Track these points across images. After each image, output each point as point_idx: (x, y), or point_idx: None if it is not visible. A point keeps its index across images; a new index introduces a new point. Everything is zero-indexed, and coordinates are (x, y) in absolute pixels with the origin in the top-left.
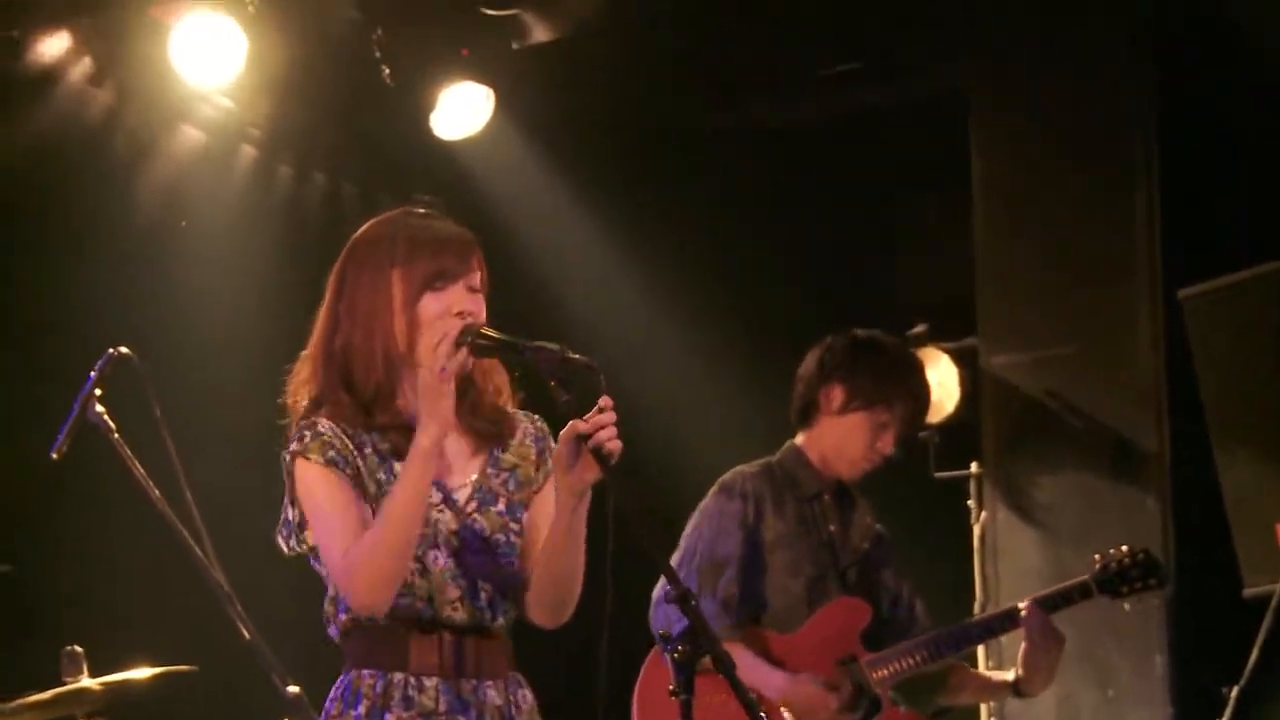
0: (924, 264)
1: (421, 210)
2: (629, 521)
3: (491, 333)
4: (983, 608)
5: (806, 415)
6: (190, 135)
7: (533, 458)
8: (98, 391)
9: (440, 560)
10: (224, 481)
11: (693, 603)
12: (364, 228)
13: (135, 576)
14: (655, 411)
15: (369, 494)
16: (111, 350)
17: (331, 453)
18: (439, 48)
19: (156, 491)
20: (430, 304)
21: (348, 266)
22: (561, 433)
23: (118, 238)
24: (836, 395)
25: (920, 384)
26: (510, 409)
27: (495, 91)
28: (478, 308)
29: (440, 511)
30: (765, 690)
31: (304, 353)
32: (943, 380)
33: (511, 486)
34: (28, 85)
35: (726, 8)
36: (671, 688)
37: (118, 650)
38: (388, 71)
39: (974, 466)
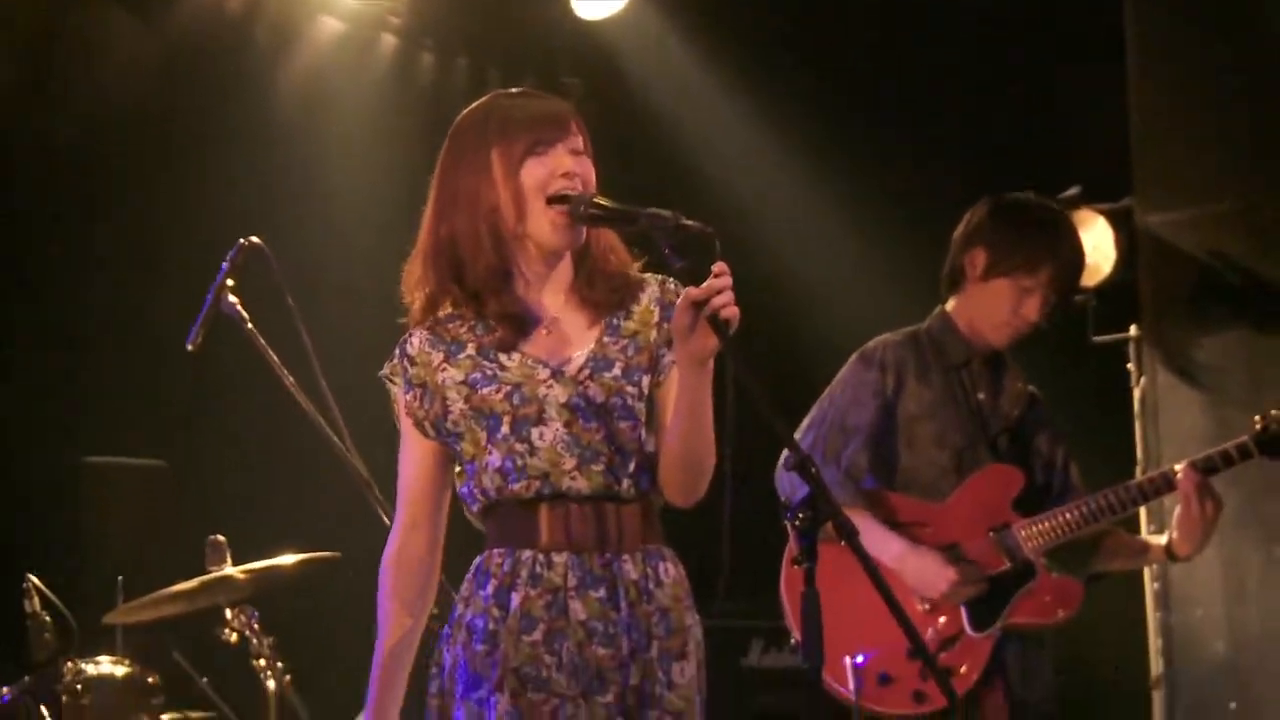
0: (1078, 125)
1: (514, 90)
2: (748, 389)
3: (603, 200)
4: (1143, 472)
5: (954, 281)
6: (330, 25)
7: (655, 320)
8: (230, 282)
9: (547, 435)
10: (359, 371)
11: (813, 469)
12: (459, 118)
13: (276, 466)
14: (809, 288)
15: (439, 409)
16: (243, 240)
17: (403, 380)
18: None
19: (292, 379)
20: (534, 169)
21: (446, 157)
22: (678, 301)
23: (259, 131)
24: (979, 260)
25: (1068, 247)
26: (634, 273)
27: None
28: (584, 169)
29: (548, 387)
30: (882, 557)
31: (413, 251)
32: (1098, 243)
33: (631, 351)
34: None
35: None
36: (794, 555)
37: (262, 539)
38: None
39: (1133, 329)
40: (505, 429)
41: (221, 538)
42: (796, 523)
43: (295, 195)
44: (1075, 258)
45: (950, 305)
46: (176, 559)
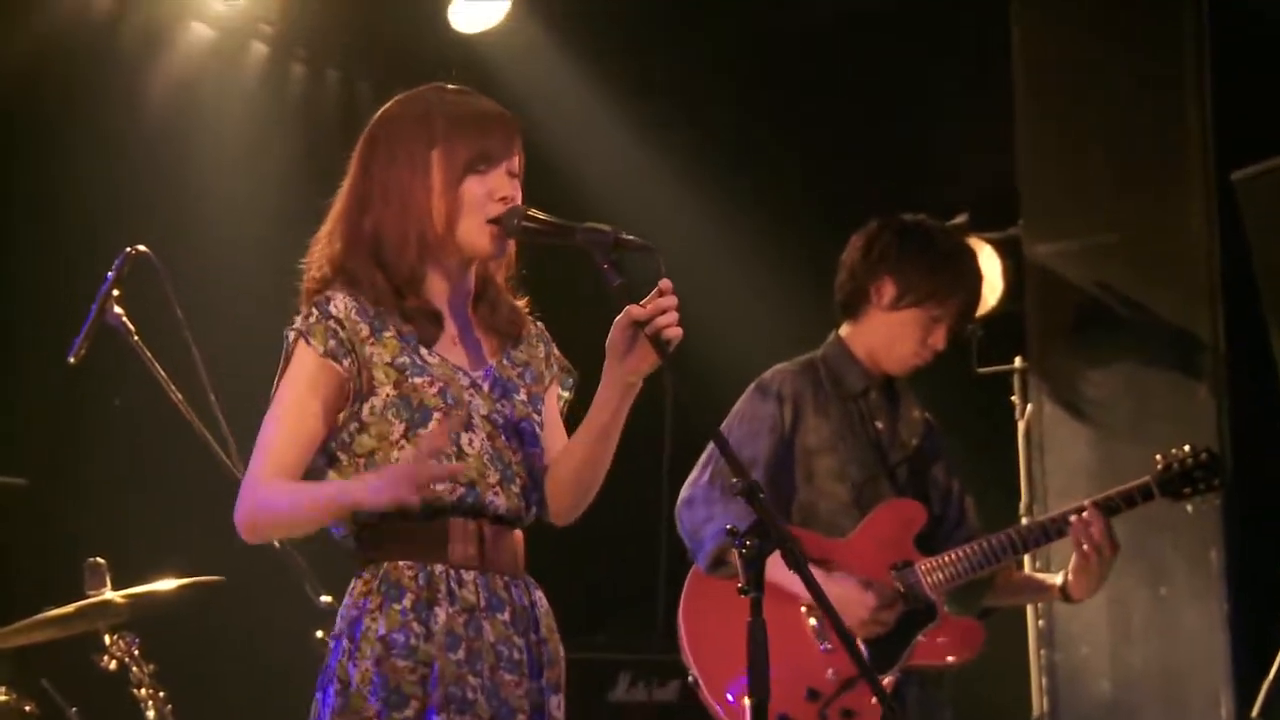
0: (962, 153)
1: (454, 86)
2: (690, 413)
3: (537, 214)
4: (1029, 506)
5: (853, 307)
6: (199, 32)
7: (540, 356)
8: (115, 292)
9: (476, 443)
10: (244, 383)
11: (760, 495)
12: (392, 103)
13: (159, 484)
14: (691, 308)
15: (364, 384)
16: (129, 249)
17: (333, 342)
18: None
19: (179, 395)
20: (473, 187)
21: (378, 142)
22: (616, 319)
23: (127, 139)
24: (886, 289)
25: (974, 276)
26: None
27: None
28: (518, 194)
29: (470, 394)
30: (794, 586)
31: (322, 231)
32: (985, 272)
33: (529, 379)
34: None
35: None
36: (740, 585)
37: (142, 561)
38: None
39: (1018, 361)
40: (434, 426)
41: (100, 560)
42: (744, 550)
43: (167, 204)
44: (979, 286)
45: (845, 331)
46: (51, 582)
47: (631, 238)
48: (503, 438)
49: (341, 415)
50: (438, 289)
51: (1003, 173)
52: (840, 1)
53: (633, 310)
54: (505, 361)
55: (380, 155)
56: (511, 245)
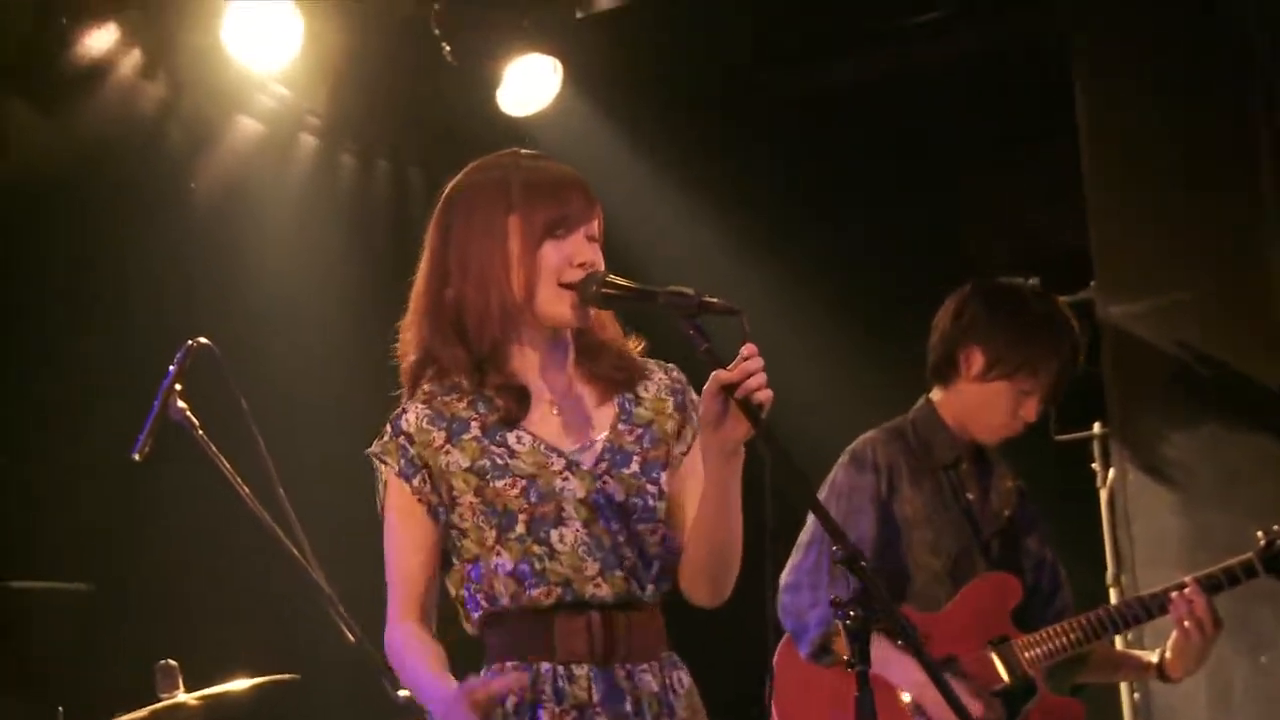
0: (1030, 215)
1: (529, 151)
2: (790, 479)
3: (617, 279)
4: (1116, 577)
5: (943, 373)
6: (247, 126)
7: (670, 411)
8: (178, 386)
9: (568, 537)
10: (310, 474)
11: (863, 563)
12: (466, 172)
13: (229, 582)
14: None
15: (443, 496)
16: (190, 341)
17: (403, 461)
18: (501, 20)
19: (246, 489)
20: (550, 253)
21: (455, 213)
22: (705, 387)
23: (177, 235)
24: (976, 359)
25: (1069, 345)
26: (635, 354)
27: (562, 62)
28: (598, 258)
29: (564, 479)
30: (902, 682)
31: (409, 310)
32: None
33: (647, 443)
34: (76, 81)
35: None
36: (847, 658)
37: (215, 662)
38: (448, 49)
39: (1097, 426)
40: (520, 529)
41: (172, 662)
42: (848, 622)
43: (220, 298)
44: (1076, 354)
45: (937, 397)
46: (122, 686)
47: (715, 300)
48: (602, 521)
49: (439, 529)
50: (527, 360)
51: (1074, 233)
52: (899, 59)
53: (720, 375)
54: (622, 425)
55: (457, 224)
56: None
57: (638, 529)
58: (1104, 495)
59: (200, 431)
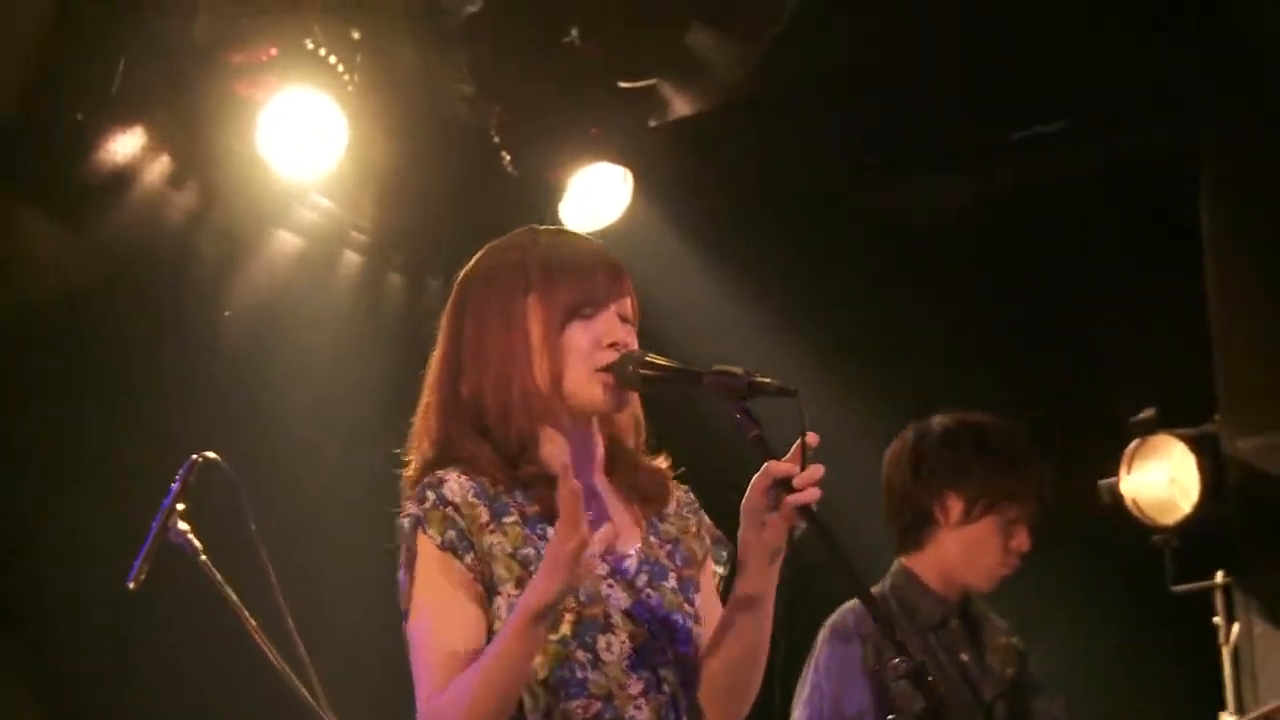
0: (1146, 340)
1: (550, 227)
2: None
3: (656, 359)
4: None
5: (918, 533)
6: (286, 240)
7: (694, 530)
8: (180, 506)
9: (615, 648)
10: (325, 611)
11: (929, 678)
12: (481, 255)
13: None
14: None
15: (488, 580)
16: (195, 456)
17: (452, 533)
18: (566, 126)
19: (254, 622)
20: (578, 335)
21: (468, 300)
22: (754, 479)
23: (205, 360)
24: (954, 505)
25: (1034, 456)
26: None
27: (633, 173)
28: (632, 340)
29: (610, 586)
30: None
31: (420, 406)
32: (1177, 474)
33: (679, 561)
34: (100, 190)
35: (888, 70)
36: None
37: None
38: (508, 157)
39: (1219, 575)
40: (566, 630)
41: None
42: None
43: (254, 425)
44: (1043, 468)
45: (910, 560)
46: None
47: (768, 380)
48: (648, 636)
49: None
50: (558, 449)
51: (1193, 359)
52: (988, 182)
53: (774, 467)
54: (652, 539)
55: (471, 311)
56: (635, 401)
57: (679, 651)
58: (1227, 653)
59: (203, 557)
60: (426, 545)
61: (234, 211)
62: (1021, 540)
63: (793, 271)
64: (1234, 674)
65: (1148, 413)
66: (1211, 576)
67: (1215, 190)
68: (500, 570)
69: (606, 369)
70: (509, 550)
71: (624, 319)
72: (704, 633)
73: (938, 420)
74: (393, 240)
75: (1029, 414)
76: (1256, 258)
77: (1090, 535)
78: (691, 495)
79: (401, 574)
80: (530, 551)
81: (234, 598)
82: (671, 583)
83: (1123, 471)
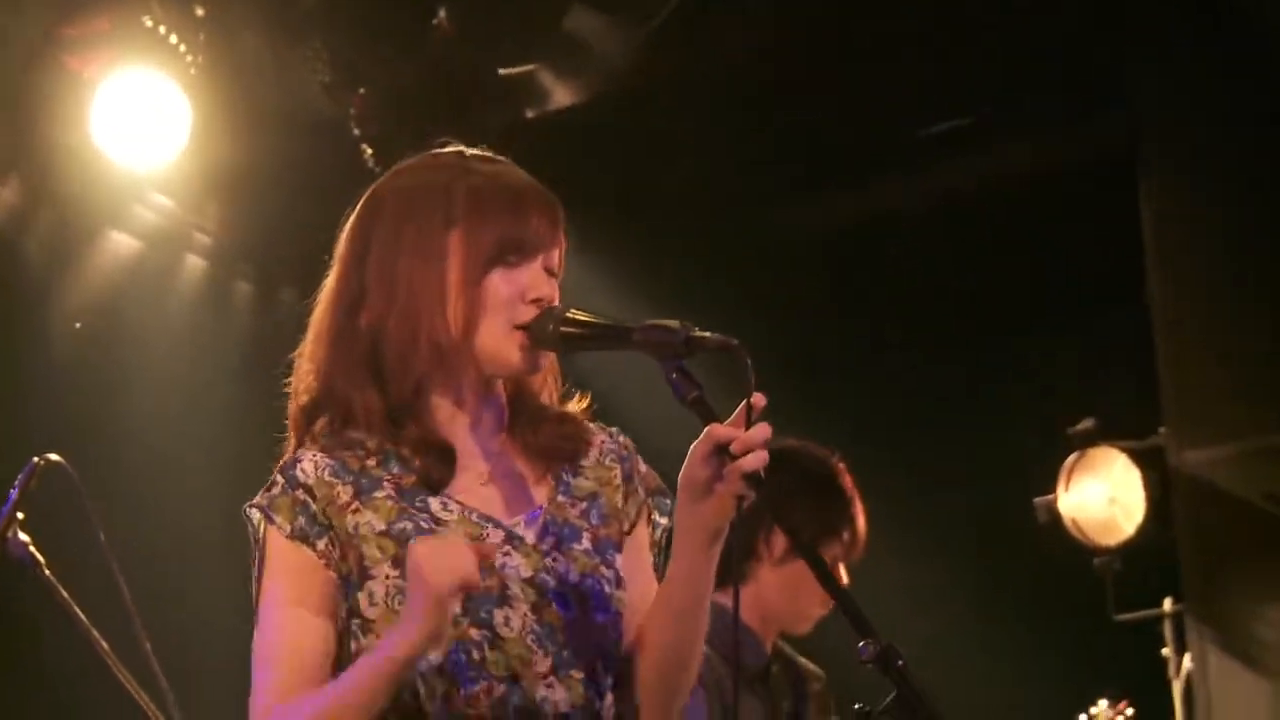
0: (1086, 345)
1: (480, 153)
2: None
3: (580, 314)
4: None
5: (738, 569)
6: (121, 243)
7: (617, 482)
8: (20, 515)
9: (514, 621)
10: (179, 619)
11: (899, 662)
12: (396, 171)
13: None
14: None
15: (353, 565)
16: (36, 459)
17: (302, 519)
18: (434, 117)
19: (104, 642)
20: (498, 283)
21: (379, 221)
22: (694, 446)
23: (32, 371)
24: (777, 539)
25: (851, 487)
26: (578, 414)
27: None
28: (555, 296)
29: (505, 554)
30: None
31: (308, 337)
32: (1117, 492)
33: (595, 519)
34: None
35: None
36: None
37: None
38: (370, 151)
39: (1167, 603)
40: (455, 607)
41: None
42: None
43: (91, 430)
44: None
45: (727, 600)
46: None
47: (708, 334)
48: (555, 606)
49: (341, 613)
50: (455, 414)
51: (1137, 364)
52: (915, 185)
53: (716, 430)
54: (561, 497)
55: (381, 235)
56: (550, 359)
57: (594, 620)
58: (1177, 688)
59: (46, 570)
60: (274, 536)
61: (63, 210)
62: (840, 576)
63: (684, 279)
64: (1185, 712)
65: (1087, 423)
66: (1159, 604)
67: (1158, 189)
68: (372, 551)
69: (524, 326)
70: (380, 528)
71: (550, 272)
72: (634, 595)
73: None
74: (240, 245)
75: (959, 425)
76: (1203, 257)
77: (1027, 558)
78: (621, 440)
79: (253, 569)
80: (407, 525)
81: (82, 617)
82: (584, 544)
83: (1060, 488)
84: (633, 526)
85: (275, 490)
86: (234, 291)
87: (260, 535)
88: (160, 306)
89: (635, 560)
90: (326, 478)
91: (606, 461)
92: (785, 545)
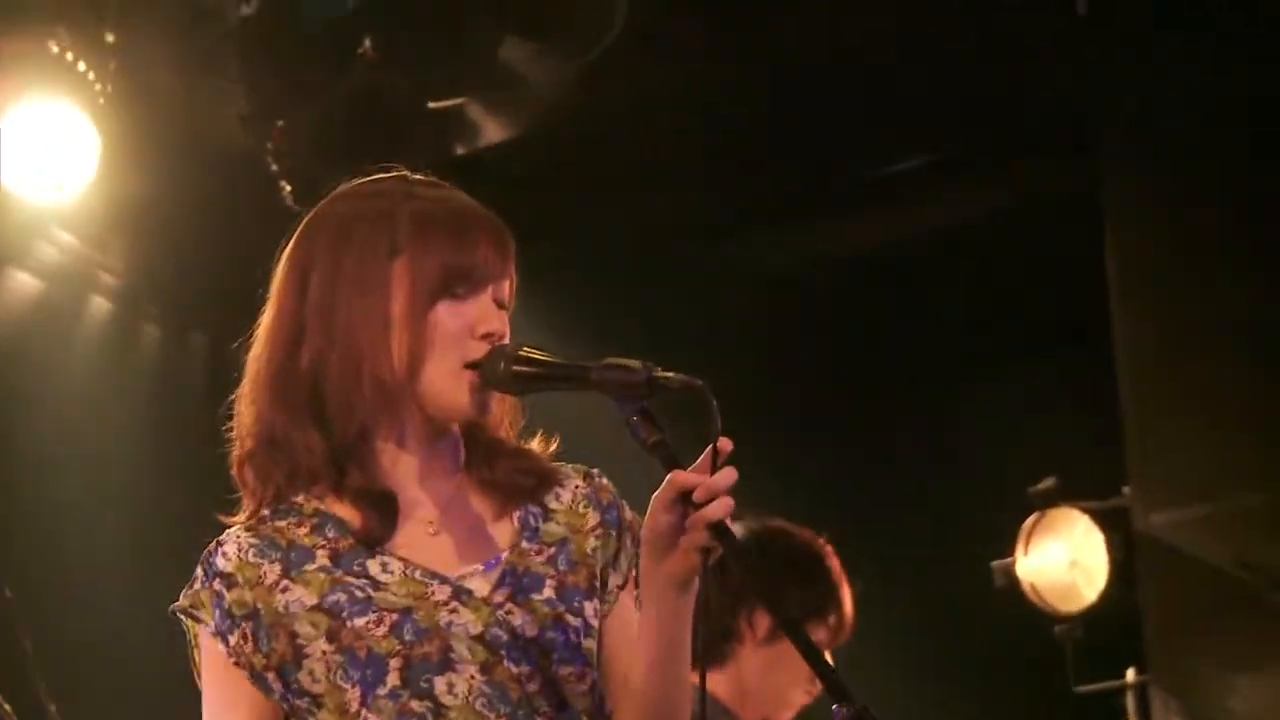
0: (1046, 401)
1: (424, 177)
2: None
3: (535, 353)
4: None
5: (719, 647)
6: (22, 282)
7: (591, 527)
8: None
9: (460, 687)
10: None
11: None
12: (334, 197)
13: None
14: None
15: (285, 653)
16: None
17: (218, 612)
18: (360, 152)
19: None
20: (445, 317)
21: (314, 249)
22: (656, 495)
23: None
24: (760, 620)
25: (840, 574)
26: (542, 457)
27: None
28: (506, 331)
29: (451, 612)
30: None
31: (245, 379)
32: (1079, 556)
33: (562, 565)
34: None
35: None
36: None
37: None
38: (289, 188)
39: (1130, 673)
40: (394, 680)
41: None
42: None
43: None
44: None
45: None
46: None
47: (671, 374)
48: (506, 663)
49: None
50: (400, 461)
51: (1100, 422)
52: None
53: (679, 478)
54: (526, 543)
55: (320, 265)
56: (503, 400)
57: (558, 673)
58: None
59: None
60: (203, 635)
61: None
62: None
63: (623, 326)
64: None
65: (1048, 482)
66: (1121, 675)
67: (1121, 234)
68: (304, 628)
69: (474, 365)
70: (311, 603)
71: (500, 305)
72: (610, 645)
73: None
74: (148, 286)
75: (909, 482)
76: (1173, 306)
77: (983, 625)
78: (600, 483)
79: (196, 672)
80: (340, 597)
81: None
82: (546, 593)
83: (1019, 551)
84: (625, 581)
85: (196, 585)
86: (141, 334)
87: (192, 636)
88: (63, 350)
89: (627, 615)
90: (251, 559)
91: (580, 508)
92: (769, 626)
